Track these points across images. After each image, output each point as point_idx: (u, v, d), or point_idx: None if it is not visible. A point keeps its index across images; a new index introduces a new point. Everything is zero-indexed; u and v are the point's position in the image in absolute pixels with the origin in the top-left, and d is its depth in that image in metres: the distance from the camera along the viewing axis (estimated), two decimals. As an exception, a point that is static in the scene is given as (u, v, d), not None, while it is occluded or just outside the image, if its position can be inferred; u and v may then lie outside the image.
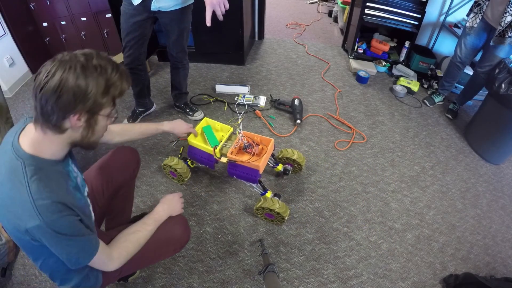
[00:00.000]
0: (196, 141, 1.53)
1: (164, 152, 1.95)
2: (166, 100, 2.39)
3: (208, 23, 1.41)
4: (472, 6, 2.06)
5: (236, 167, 1.47)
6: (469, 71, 2.48)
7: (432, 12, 2.77)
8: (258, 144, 1.52)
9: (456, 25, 2.68)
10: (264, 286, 1.14)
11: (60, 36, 2.75)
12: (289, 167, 1.72)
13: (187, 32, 1.84)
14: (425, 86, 2.71)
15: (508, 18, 1.79)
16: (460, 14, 2.70)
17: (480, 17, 1.99)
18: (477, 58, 2.27)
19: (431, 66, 2.78)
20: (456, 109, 2.41)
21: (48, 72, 0.69)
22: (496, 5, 1.87)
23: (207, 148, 1.50)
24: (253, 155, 1.46)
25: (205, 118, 1.67)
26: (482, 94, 2.29)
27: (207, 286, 1.36)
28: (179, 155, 1.74)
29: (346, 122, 2.24)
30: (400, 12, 2.64)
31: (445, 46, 2.87)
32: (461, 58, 2.21)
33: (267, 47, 3.15)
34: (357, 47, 2.92)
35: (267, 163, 1.66)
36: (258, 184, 1.54)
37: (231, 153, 1.46)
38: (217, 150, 1.46)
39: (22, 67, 2.59)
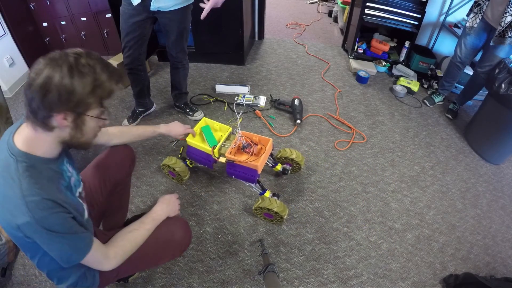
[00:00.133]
0: (195, 141, 1.53)
1: (164, 152, 1.95)
2: (166, 100, 2.39)
3: (203, 17, 1.46)
4: (472, 6, 2.06)
5: (234, 167, 1.47)
6: (469, 71, 2.48)
7: (432, 12, 2.77)
8: (256, 144, 1.52)
9: (456, 25, 2.68)
10: (264, 286, 1.14)
11: (60, 36, 2.76)
12: (288, 166, 1.72)
13: (186, 32, 1.84)
14: (425, 86, 2.71)
15: (508, 18, 1.79)
16: (460, 14, 2.70)
17: (480, 17, 1.99)
18: (477, 58, 2.27)
19: (431, 66, 2.78)
20: (456, 109, 2.41)
21: (36, 70, 0.69)
22: (496, 5, 1.87)
23: (206, 148, 1.50)
24: (251, 155, 1.46)
25: (204, 118, 1.67)
26: (482, 94, 2.29)
27: (207, 286, 1.36)
28: (179, 155, 1.74)
29: (346, 122, 2.24)
30: (400, 12, 2.64)
31: (445, 46, 2.87)
32: (461, 58, 2.21)
33: (267, 47, 3.15)
34: (357, 47, 2.92)
35: (266, 163, 1.66)
36: (257, 184, 1.54)
37: (230, 153, 1.46)
38: (215, 150, 1.46)
39: (22, 67, 2.59)
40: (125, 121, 2.12)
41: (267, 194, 1.55)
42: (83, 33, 2.73)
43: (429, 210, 1.73)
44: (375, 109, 2.41)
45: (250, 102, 2.33)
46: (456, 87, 2.60)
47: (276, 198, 1.54)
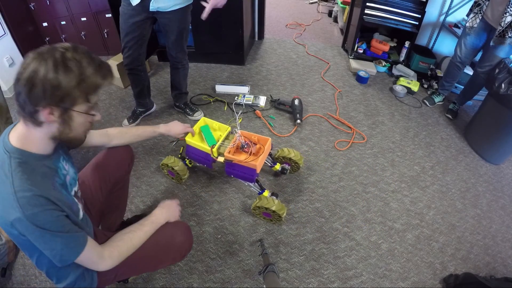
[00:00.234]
0: (194, 140, 1.53)
1: (164, 152, 1.95)
2: (166, 100, 2.39)
3: (203, 17, 1.48)
4: (472, 6, 2.06)
5: (233, 166, 1.47)
6: (469, 71, 2.48)
7: (432, 12, 2.77)
8: (255, 144, 1.52)
9: (456, 25, 2.68)
10: (264, 286, 1.14)
11: (60, 36, 2.75)
12: (286, 166, 1.72)
13: (186, 32, 1.84)
14: (425, 86, 2.71)
15: (508, 18, 1.79)
16: (460, 14, 2.70)
17: (480, 17, 1.99)
18: (477, 58, 2.27)
19: (431, 66, 2.78)
20: (456, 109, 2.41)
21: (24, 64, 0.69)
22: (496, 5, 1.87)
23: (205, 147, 1.50)
24: (250, 154, 1.46)
25: (203, 117, 1.68)
26: (482, 94, 2.29)
27: (207, 286, 1.36)
28: (179, 155, 1.74)
29: (346, 122, 2.24)
30: (400, 12, 2.64)
31: (445, 46, 2.87)
32: (461, 58, 2.21)
33: (267, 47, 3.15)
34: (357, 47, 2.92)
35: (265, 162, 1.66)
36: (256, 183, 1.54)
37: (229, 152, 1.46)
38: (214, 149, 1.46)
39: (22, 67, 2.59)
40: (125, 121, 2.12)
41: (266, 193, 1.55)
42: (83, 33, 2.73)
43: (429, 210, 1.73)
44: (375, 109, 2.41)
45: (250, 102, 2.33)
46: (456, 87, 2.60)
47: (274, 197, 1.54)
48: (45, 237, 0.73)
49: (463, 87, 2.42)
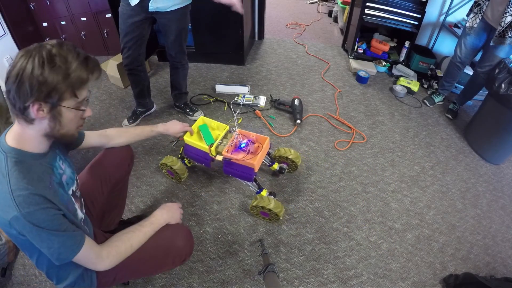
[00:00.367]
0: (192, 140, 1.53)
1: (164, 152, 1.95)
2: (166, 100, 2.39)
3: (240, 10, 1.50)
4: (472, 6, 2.06)
5: (231, 165, 1.47)
6: (469, 71, 2.48)
7: (432, 12, 2.77)
8: (253, 143, 1.52)
9: (456, 25, 2.68)
10: (264, 286, 1.14)
11: (60, 36, 2.76)
12: (284, 165, 1.72)
13: (185, 32, 1.84)
14: (425, 86, 2.71)
15: (508, 18, 1.79)
16: (460, 14, 2.70)
17: (480, 17, 1.99)
18: (477, 58, 2.27)
19: (431, 66, 2.78)
20: (456, 109, 2.41)
21: (13, 62, 0.72)
22: (496, 5, 1.87)
23: (203, 146, 1.50)
24: (247, 153, 1.46)
25: (201, 116, 1.68)
26: (482, 94, 2.29)
27: (207, 286, 1.36)
28: (179, 155, 1.74)
29: (346, 122, 2.24)
30: (400, 12, 2.64)
31: (445, 46, 2.87)
32: (461, 58, 2.21)
33: (267, 47, 3.15)
34: (357, 47, 2.92)
35: (263, 162, 1.66)
36: (254, 183, 1.54)
37: (227, 151, 1.46)
38: (212, 148, 1.46)
39: (22, 67, 2.59)
40: (125, 122, 2.12)
41: (264, 192, 1.55)
42: (83, 33, 2.73)
43: (429, 210, 1.73)
44: (375, 109, 2.41)
45: (250, 102, 2.33)
46: (456, 87, 2.60)
47: (272, 197, 1.54)
48: (42, 235, 0.74)
49: (463, 87, 2.42)
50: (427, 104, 2.50)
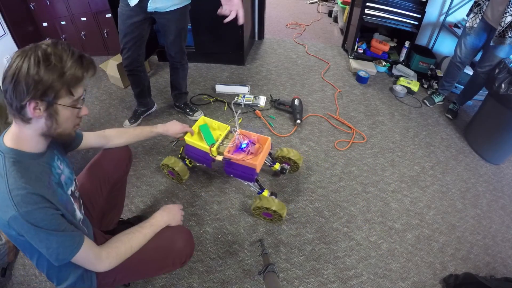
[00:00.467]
0: (193, 140, 1.53)
1: (164, 152, 1.95)
2: (166, 100, 2.39)
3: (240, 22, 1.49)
4: (472, 6, 2.06)
5: (232, 165, 1.46)
6: (469, 71, 2.48)
7: (432, 12, 2.77)
8: (254, 143, 1.52)
9: (456, 25, 2.68)
10: (264, 286, 1.14)
11: (60, 36, 2.76)
12: (286, 166, 1.72)
13: (184, 32, 1.84)
14: (425, 86, 2.71)
15: (508, 18, 1.79)
16: (460, 14, 2.70)
17: (480, 17, 1.99)
18: (477, 58, 2.27)
19: (431, 66, 2.78)
20: (456, 109, 2.41)
21: (10, 63, 0.72)
22: (496, 5, 1.87)
23: (204, 146, 1.50)
24: (248, 153, 1.46)
25: (202, 116, 1.67)
26: (482, 94, 2.29)
27: (207, 286, 1.36)
28: (179, 155, 1.74)
29: (346, 122, 2.24)
30: (400, 12, 2.64)
31: (445, 46, 2.87)
32: (461, 58, 2.21)
33: (267, 47, 3.15)
34: (357, 47, 2.92)
35: (265, 162, 1.66)
36: (255, 183, 1.54)
37: (228, 151, 1.46)
38: (213, 149, 1.46)
39: (22, 67, 2.59)
40: (126, 122, 2.12)
41: (265, 193, 1.55)
42: (83, 33, 2.73)
43: (429, 210, 1.73)
44: (375, 109, 2.41)
45: (250, 102, 2.33)
46: (456, 87, 2.60)
47: (274, 197, 1.54)
48: (40, 235, 0.74)
49: (463, 87, 2.42)
50: (427, 104, 2.50)
